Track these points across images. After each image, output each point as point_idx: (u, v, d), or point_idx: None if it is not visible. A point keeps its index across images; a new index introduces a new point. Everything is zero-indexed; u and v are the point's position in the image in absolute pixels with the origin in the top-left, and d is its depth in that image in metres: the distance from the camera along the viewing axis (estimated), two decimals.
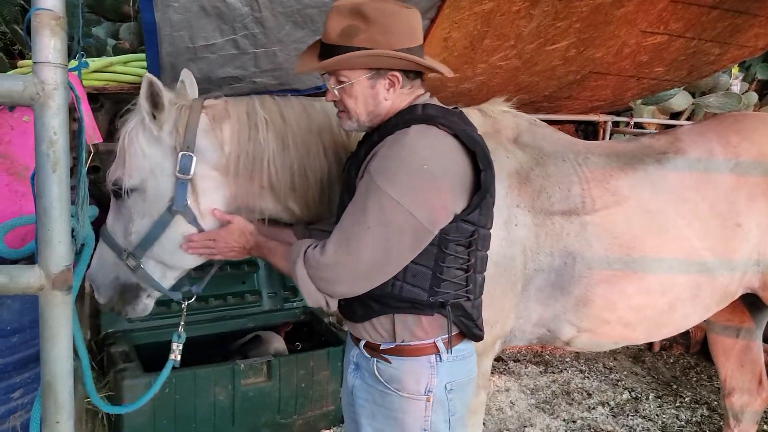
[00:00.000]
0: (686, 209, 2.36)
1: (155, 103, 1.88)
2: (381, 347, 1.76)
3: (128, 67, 2.91)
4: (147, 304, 2.09)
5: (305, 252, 1.66)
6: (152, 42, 2.39)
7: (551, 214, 2.28)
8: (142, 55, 2.93)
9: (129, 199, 1.93)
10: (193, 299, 2.13)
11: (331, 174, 2.03)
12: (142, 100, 1.86)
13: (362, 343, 1.80)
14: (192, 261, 2.01)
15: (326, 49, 1.65)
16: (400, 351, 1.74)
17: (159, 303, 3.64)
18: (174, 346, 2.11)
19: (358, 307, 1.74)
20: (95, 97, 3.04)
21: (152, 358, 3.38)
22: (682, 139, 2.47)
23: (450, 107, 1.80)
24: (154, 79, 1.84)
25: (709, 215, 2.36)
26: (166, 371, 2.12)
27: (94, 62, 2.84)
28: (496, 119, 2.41)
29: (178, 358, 2.11)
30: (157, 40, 2.39)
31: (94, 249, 1.74)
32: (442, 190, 1.60)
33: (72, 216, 1.26)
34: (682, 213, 2.35)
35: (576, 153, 2.42)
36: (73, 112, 1.51)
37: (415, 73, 1.72)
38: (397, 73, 1.66)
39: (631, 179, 2.37)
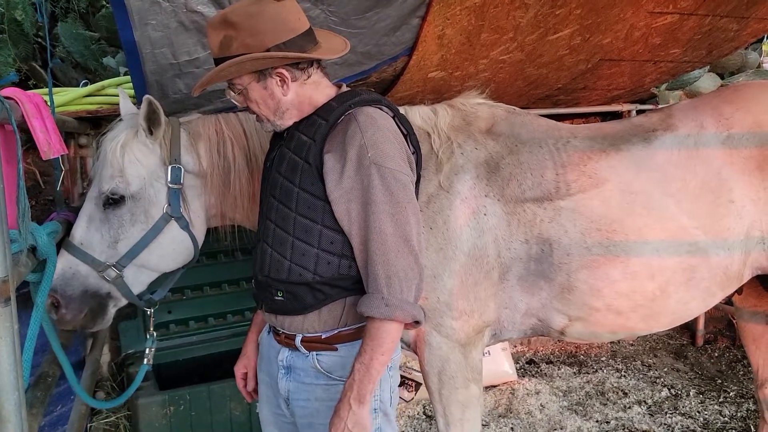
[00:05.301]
0: (674, 188, 2.24)
1: (152, 120, 2.03)
2: (323, 337, 1.73)
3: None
4: (112, 314, 2.12)
5: (379, 306, 1.56)
6: (135, 61, 2.42)
7: (522, 201, 2.22)
8: None
9: (123, 207, 2.02)
10: (157, 306, 2.22)
11: None
12: (141, 119, 2.02)
13: (298, 338, 1.75)
14: (174, 265, 2.14)
15: (217, 65, 1.68)
16: (342, 337, 1.73)
17: (178, 322, 3.75)
18: (147, 350, 2.21)
19: (307, 296, 1.70)
20: (98, 122, 3.11)
21: (173, 376, 3.41)
22: (674, 115, 2.35)
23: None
24: (153, 99, 2.00)
25: (699, 193, 2.23)
26: (141, 374, 2.23)
27: (87, 87, 2.91)
28: (467, 112, 2.38)
29: (152, 362, 2.23)
30: (139, 59, 2.42)
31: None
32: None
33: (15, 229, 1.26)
34: (670, 192, 2.23)
35: (557, 138, 2.34)
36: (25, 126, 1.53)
37: (308, 62, 1.70)
38: (281, 70, 1.66)
39: (612, 160, 2.27)
